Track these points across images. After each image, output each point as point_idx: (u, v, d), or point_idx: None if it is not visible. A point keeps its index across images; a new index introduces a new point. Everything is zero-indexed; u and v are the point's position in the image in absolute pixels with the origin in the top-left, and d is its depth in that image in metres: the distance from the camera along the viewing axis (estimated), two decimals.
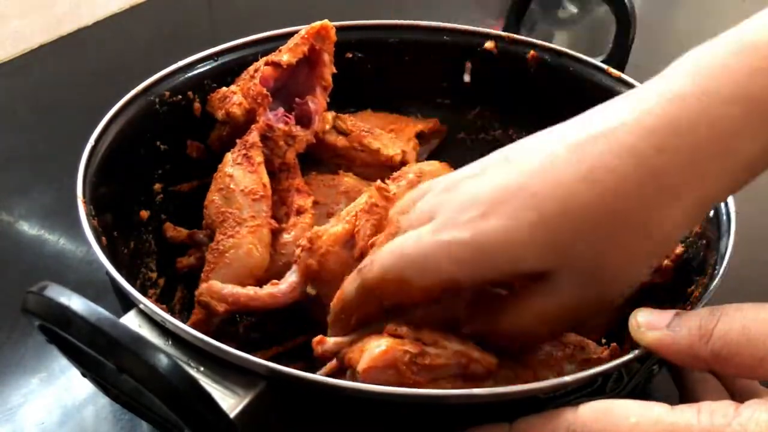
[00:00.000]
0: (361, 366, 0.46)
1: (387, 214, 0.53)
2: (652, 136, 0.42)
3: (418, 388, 0.46)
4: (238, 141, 0.62)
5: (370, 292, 0.48)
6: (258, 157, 0.61)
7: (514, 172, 0.44)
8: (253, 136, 0.62)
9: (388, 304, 0.48)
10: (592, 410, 0.41)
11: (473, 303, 0.48)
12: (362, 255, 0.52)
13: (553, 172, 0.43)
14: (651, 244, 0.43)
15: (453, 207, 0.45)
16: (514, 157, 0.46)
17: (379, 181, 0.55)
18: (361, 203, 0.55)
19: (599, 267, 0.43)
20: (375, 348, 0.46)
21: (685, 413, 0.40)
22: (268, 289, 0.55)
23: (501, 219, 0.43)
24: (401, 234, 0.48)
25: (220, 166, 0.62)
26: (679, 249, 0.59)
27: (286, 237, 0.59)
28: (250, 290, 0.55)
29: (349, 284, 0.49)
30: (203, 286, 0.55)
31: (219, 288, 0.54)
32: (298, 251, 0.55)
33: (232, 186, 0.59)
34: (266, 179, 0.60)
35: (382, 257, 0.47)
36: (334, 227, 0.54)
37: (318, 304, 0.55)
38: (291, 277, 0.55)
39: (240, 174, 0.60)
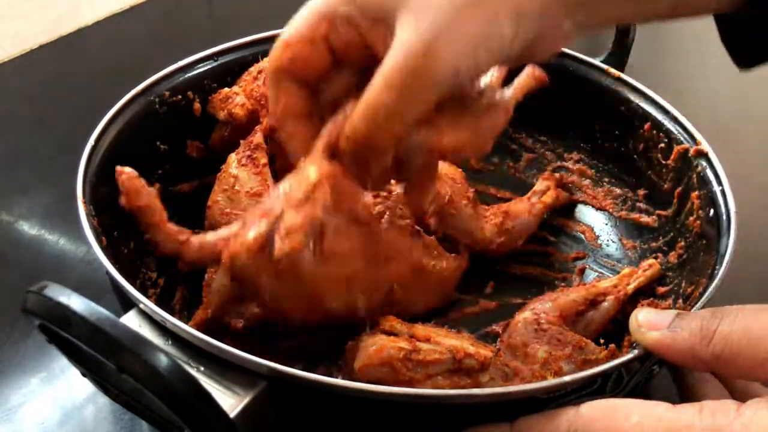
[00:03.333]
0: (356, 364, 0.46)
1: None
2: None
3: (414, 384, 0.46)
4: (242, 142, 0.62)
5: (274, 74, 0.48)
6: (263, 159, 0.60)
7: None
8: (258, 138, 0.61)
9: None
10: (594, 409, 0.41)
11: None
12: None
13: None
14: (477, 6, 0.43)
15: None
16: None
17: None
18: None
19: (426, 5, 0.42)
20: (370, 346, 0.47)
21: (686, 412, 0.40)
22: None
23: None
24: None
25: (223, 167, 0.61)
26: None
27: None
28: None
29: None
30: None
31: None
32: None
33: (236, 187, 0.59)
34: (271, 181, 0.60)
35: None
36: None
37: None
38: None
39: (245, 175, 0.60)
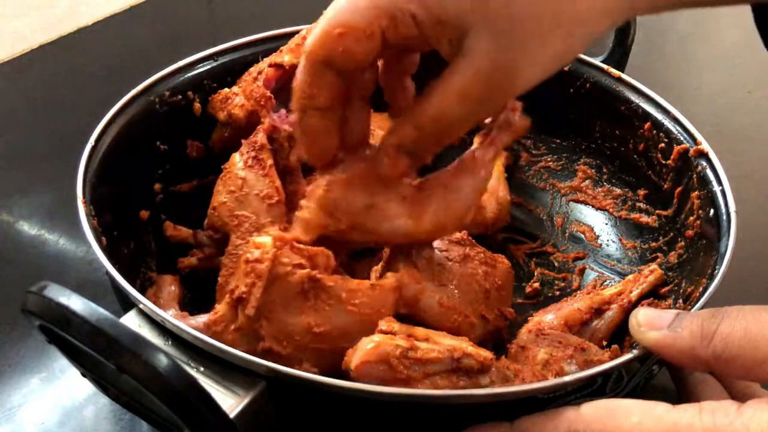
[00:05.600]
0: (353, 363, 0.46)
1: None
2: None
3: (412, 383, 0.46)
4: (244, 142, 0.61)
5: (317, 62, 0.46)
6: (269, 160, 0.60)
7: None
8: (261, 138, 0.61)
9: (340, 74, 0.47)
10: (594, 409, 0.42)
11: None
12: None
13: None
14: (561, 29, 0.44)
15: None
16: None
17: None
18: None
19: (512, 27, 0.43)
20: (367, 344, 0.47)
21: (687, 412, 0.40)
22: None
23: None
24: None
25: (226, 166, 0.61)
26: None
27: None
28: None
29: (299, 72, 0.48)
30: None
31: None
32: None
33: (245, 189, 0.58)
34: (278, 182, 0.59)
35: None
36: None
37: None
38: None
39: (253, 177, 0.59)
